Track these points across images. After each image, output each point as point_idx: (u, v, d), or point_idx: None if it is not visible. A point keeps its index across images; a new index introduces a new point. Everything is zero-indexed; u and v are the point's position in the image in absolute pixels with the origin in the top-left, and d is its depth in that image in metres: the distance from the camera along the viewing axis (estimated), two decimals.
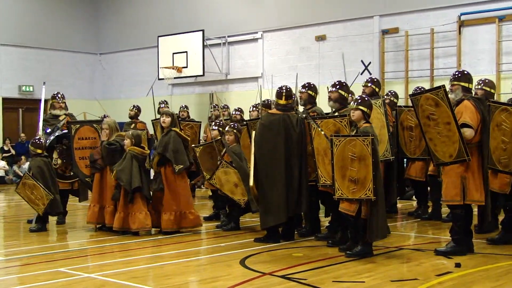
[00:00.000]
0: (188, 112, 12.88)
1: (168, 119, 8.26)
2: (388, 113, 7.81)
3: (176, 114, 12.30)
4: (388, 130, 7.68)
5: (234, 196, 8.33)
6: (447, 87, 6.52)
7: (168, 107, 12.57)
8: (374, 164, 6.35)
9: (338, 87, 7.51)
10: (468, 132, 6.43)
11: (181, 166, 8.15)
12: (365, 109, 6.62)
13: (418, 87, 9.53)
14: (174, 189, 8.18)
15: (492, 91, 7.79)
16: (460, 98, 6.60)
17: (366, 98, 6.79)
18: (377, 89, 8.45)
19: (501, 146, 6.99)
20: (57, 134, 9.28)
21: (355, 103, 6.70)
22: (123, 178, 8.00)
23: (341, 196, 6.55)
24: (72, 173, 9.22)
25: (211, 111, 12.73)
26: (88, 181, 8.84)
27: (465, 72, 6.81)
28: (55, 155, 9.22)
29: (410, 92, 8.84)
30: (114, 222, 8.12)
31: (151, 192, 8.32)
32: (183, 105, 12.99)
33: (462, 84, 6.64)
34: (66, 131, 9.21)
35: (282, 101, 7.53)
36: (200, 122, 12.50)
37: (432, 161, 7.13)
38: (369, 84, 8.51)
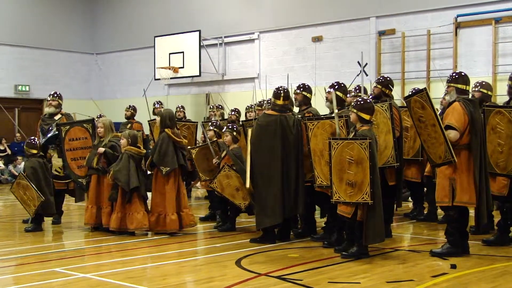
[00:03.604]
0: (184, 113, 12.81)
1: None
2: (395, 117, 7.43)
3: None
4: (394, 136, 7.37)
5: (235, 200, 8.26)
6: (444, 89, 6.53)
7: (162, 108, 12.54)
8: (372, 168, 6.30)
9: (336, 87, 7.49)
10: (452, 134, 6.40)
11: (168, 168, 8.04)
12: (359, 113, 6.54)
13: (414, 89, 9.47)
14: (162, 192, 8.11)
15: (490, 93, 7.79)
16: (453, 100, 6.60)
17: (368, 101, 6.70)
18: (386, 90, 7.88)
19: (498, 149, 7.00)
20: (50, 135, 9.23)
21: (352, 105, 6.69)
22: (121, 178, 7.98)
23: (338, 200, 6.52)
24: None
25: (210, 112, 12.69)
26: (81, 181, 8.77)
27: (462, 73, 6.78)
28: (54, 155, 9.15)
29: (406, 93, 8.79)
30: (111, 223, 8.09)
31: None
32: (180, 106, 12.93)
33: (458, 86, 6.60)
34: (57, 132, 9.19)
35: (280, 102, 7.52)
36: (197, 122, 12.46)
37: (428, 161, 7.13)
38: (376, 84, 7.99)
